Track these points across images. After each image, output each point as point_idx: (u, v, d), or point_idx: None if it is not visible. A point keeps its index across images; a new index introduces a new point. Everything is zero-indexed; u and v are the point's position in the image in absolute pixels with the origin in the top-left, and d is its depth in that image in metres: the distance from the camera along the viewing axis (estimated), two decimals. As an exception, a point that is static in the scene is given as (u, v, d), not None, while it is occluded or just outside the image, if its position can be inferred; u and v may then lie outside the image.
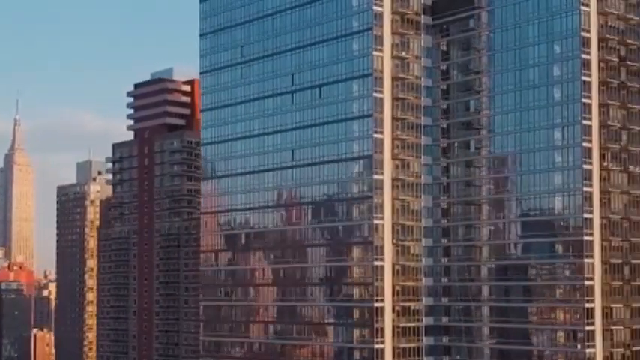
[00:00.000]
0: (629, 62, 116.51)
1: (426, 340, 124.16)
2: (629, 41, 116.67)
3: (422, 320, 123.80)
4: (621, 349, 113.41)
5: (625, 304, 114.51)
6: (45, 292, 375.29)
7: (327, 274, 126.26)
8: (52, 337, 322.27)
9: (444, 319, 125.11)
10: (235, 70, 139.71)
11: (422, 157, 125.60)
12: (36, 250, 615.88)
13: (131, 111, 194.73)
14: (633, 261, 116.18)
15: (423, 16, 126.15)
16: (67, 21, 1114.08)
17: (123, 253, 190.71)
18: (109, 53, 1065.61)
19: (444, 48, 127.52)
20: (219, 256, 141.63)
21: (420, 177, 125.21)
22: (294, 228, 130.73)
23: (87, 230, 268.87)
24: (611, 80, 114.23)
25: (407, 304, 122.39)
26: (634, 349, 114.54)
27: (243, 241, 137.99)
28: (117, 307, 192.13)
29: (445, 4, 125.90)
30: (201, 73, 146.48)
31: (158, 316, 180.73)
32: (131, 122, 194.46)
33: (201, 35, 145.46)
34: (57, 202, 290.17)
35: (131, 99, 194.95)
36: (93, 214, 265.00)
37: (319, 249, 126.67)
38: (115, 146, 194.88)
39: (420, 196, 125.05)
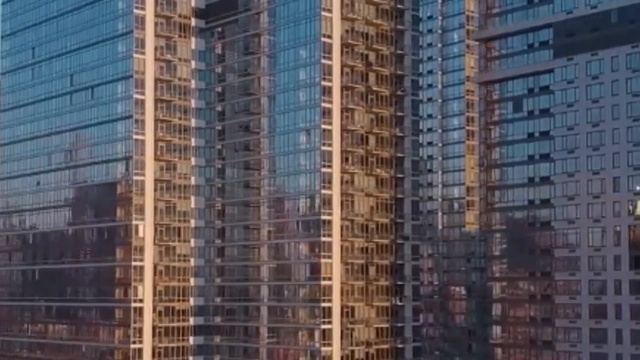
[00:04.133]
0: (378, 68, 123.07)
1: (196, 340, 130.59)
2: (378, 47, 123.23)
3: (189, 320, 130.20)
4: (363, 348, 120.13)
5: (368, 303, 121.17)
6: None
7: (95, 274, 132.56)
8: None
9: (217, 319, 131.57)
10: (29, 71, 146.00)
11: (192, 158, 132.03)
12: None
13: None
14: (380, 262, 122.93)
15: (194, 19, 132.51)
16: None
17: None
18: None
19: (220, 51, 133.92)
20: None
21: (190, 178, 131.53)
22: (74, 228, 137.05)
23: None
24: (356, 85, 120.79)
25: (171, 304, 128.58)
26: (377, 347, 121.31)
27: (30, 241, 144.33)
28: None
29: (218, 7, 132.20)
30: (2, 73, 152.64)
31: None
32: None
33: (2, 37, 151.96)
34: None
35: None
36: None
37: (89, 249, 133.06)
38: None
39: (190, 198, 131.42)
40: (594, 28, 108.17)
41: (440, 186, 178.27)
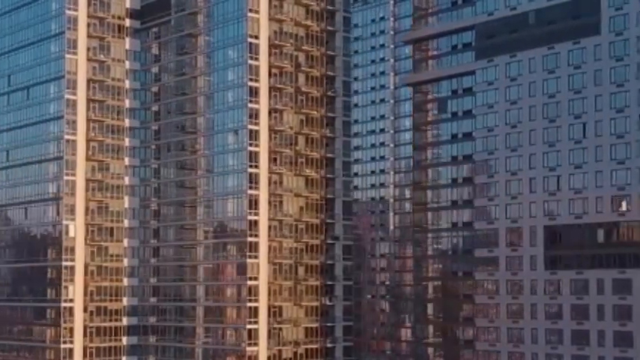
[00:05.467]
0: (307, 69, 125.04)
1: (129, 340, 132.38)
2: (308, 48, 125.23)
3: (122, 320, 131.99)
4: (291, 347, 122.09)
5: (297, 303, 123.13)
6: None
7: (28, 274, 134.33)
8: None
9: (152, 319, 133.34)
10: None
11: (126, 158, 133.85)
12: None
13: None
14: (310, 262, 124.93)
15: (129, 20, 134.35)
16: None
17: None
18: None
19: (156, 51, 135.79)
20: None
21: (123, 178, 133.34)
22: (6, 228, 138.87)
23: None
24: (285, 86, 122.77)
25: (103, 304, 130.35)
26: (305, 347, 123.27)
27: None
28: None
29: (153, 8, 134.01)
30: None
31: None
32: None
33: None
34: None
35: None
36: None
37: (22, 249, 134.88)
38: None
39: (123, 198, 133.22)
40: (513, 29, 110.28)
41: (392, 186, 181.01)
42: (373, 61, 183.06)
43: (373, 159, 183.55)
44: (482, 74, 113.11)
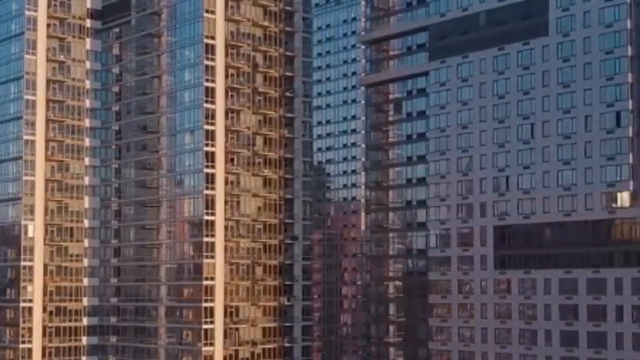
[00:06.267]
0: (265, 69, 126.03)
1: (90, 340, 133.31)
2: (265, 48, 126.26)
3: (82, 320, 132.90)
4: (248, 347, 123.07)
5: (254, 303, 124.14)
6: None
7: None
8: None
9: (113, 320, 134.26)
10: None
11: (87, 158, 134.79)
12: None
13: None
14: (268, 262, 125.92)
15: (90, 20, 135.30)
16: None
17: None
18: None
19: (117, 51, 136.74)
20: None
21: (83, 179, 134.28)
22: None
23: None
24: (242, 86, 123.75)
25: (63, 304, 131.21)
26: (263, 347, 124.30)
27: None
28: None
29: (114, 8, 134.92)
30: None
31: None
32: None
33: None
34: None
35: None
36: None
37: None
38: None
39: (83, 198, 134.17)
40: (465, 30, 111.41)
41: (363, 186, 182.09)
42: (345, 62, 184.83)
43: (345, 159, 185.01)
44: (435, 75, 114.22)
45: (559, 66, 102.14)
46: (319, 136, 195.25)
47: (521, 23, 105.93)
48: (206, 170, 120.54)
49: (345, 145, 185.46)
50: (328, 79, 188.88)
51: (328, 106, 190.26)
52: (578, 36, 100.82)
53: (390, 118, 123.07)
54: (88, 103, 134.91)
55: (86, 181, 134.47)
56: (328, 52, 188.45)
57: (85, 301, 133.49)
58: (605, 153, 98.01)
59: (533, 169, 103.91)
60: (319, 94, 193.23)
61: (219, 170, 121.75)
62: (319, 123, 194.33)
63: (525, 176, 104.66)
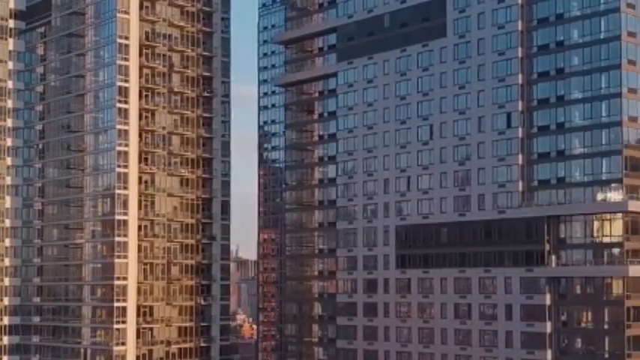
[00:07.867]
0: (182, 69, 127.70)
1: (11, 340, 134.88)
2: (182, 48, 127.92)
3: (2, 320, 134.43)
4: (162, 347, 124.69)
5: (169, 303, 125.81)
6: None
7: None
8: None
9: (36, 319, 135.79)
10: None
11: (8, 158, 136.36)
12: None
13: None
14: (184, 262, 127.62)
15: (13, 20, 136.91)
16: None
17: None
18: None
19: (42, 52, 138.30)
20: None
21: (5, 178, 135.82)
22: None
23: None
24: (157, 86, 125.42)
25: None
26: (178, 346, 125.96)
27: None
28: None
29: (38, 9, 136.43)
30: None
31: None
32: None
33: None
34: None
35: None
36: None
37: None
38: None
39: (4, 197, 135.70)
40: (370, 32, 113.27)
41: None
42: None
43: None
44: (343, 76, 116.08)
45: (455, 67, 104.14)
46: (266, 135, 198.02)
47: (422, 25, 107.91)
48: (118, 170, 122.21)
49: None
50: (273, 78, 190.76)
51: (274, 105, 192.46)
52: (474, 37, 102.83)
53: (305, 119, 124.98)
54: (10, 104, 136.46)
55: (8, 180, 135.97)
56: (273, 52, 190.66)
57: (7, 301, 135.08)
58: (496, 154, 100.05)
59: (432, 170, 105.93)
60: (265, 93, 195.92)
61: (132, 170, 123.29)
62: (265, 122, 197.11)
63: (424, 177, 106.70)
